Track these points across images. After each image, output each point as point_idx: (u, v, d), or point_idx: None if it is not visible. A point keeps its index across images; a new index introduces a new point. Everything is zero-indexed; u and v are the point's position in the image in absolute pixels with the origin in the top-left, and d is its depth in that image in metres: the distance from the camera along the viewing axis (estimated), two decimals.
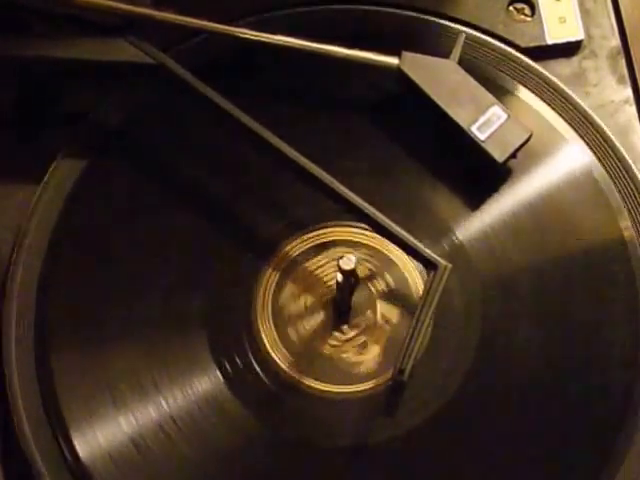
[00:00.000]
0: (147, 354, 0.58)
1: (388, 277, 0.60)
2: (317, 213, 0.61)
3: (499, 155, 0.60)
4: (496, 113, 0.61)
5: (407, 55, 0.62)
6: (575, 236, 0.60)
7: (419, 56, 0.62)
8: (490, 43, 0.65)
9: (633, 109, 0.64)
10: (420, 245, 0.57)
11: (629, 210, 0.61)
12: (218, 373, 0.57)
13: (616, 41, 0.66)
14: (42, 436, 0.56)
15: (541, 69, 0.64)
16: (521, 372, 0.57)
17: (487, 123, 0.60)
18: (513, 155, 0.60)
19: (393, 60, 0.62)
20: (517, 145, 0.60)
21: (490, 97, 0.61)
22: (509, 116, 0.61)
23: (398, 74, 0.62)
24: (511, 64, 0.64)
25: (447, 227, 0.61)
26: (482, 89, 0.61)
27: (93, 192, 0.62)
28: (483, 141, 0.60)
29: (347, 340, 0.59)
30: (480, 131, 0.60)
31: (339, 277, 0.57)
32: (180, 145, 0.63)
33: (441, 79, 0.61)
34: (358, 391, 0.57)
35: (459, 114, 0.61)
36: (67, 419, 0.56)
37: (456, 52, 0.62)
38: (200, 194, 0.62)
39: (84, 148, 0.63)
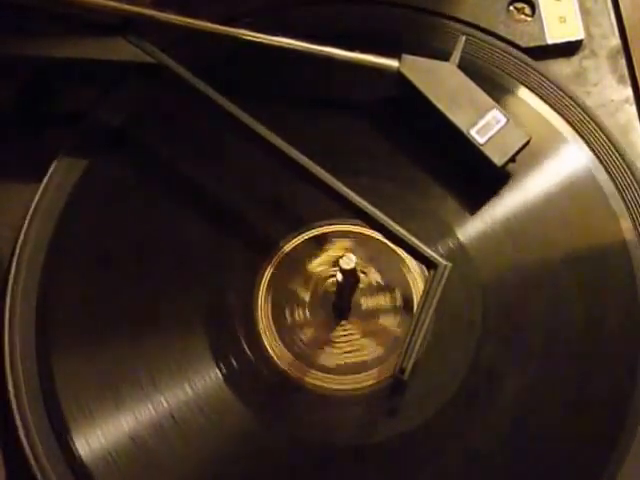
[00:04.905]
0: (147, 353, 0.58)
1: (388, 277, 0.60)
2: (317, 212, 0.61)
3: (498, 159, 0.60)
4: (495, 117, 0.60)
5: (407, 58, 0.62)
6: (576, 236, 0.60)
7: (419, 59, 0.62)
8: (490, 42, 0.65)
9: (633, 108, 0.64)
10: (420, 245, 0.57)
11: (630, 210, 0.61)
12: (218, 372, 0.58)
13: (616, 40, 0.66)
14: (43, 435, 0.56)
15: (541, 68, 0.64)
16: (521, 372, 0.57)
17: (486, 126, 0.60)
18: (512, 159, 0.61)
19: (393, 62, 0.62)
20: (516, 149, 0.60)
21: (489, 100, 0.61)
22: (508, 120, 0.61)
23: (398, 76, 0.62)
24: (511, 63, 0.65)
25: (447, 227, 0.61)
26: (482, 92, 0.61)
27: (93, 191, 0.62)
28: (482, 144, 0.60)
29: (347, 339, 0.59)
30: (479, 134, 0.60)
31: (339, 276, 0.57)
32: (180, 145, 0.63)
33: (441, 82, 0.61)
34: (358, 390, 0.58)
35: (458, 117, 0.61)
36: (68, 418, 0.56)
37: (456, 55, 0.62)
38: (200, 193, 0.62)
39: (84, 148, 0.63)
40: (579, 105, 0.63)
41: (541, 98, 0.64)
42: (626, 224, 0.60)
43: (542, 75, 0.64)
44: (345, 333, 0.59)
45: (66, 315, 0.59)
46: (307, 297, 0.60)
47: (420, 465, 0.56)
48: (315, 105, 0.64)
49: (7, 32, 0.61)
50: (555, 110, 0.63)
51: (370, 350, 0.58)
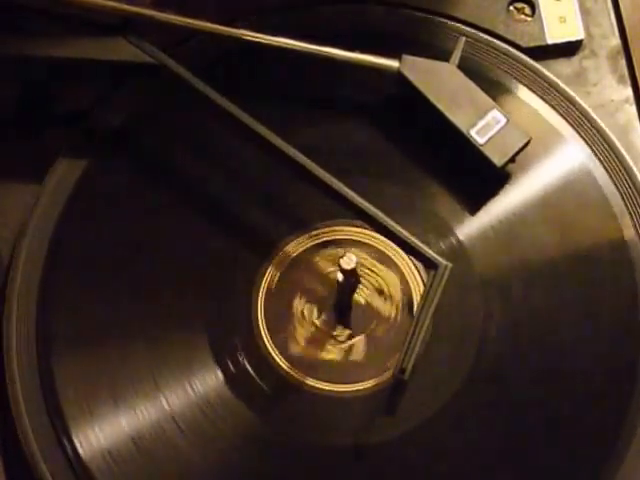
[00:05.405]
0: (148, 354, 0.58)
1: (389, 276, 0.60)
2: (317, 212, 0.61)
3: (498, 159, 0.60)
4: (495, 117, 0.61)
5: (407, 58, 0.62)
6: (575, 236, 0.60)
7: (419, 59, 0.62)
8: (490, 42, 0.65)
9: (633, 108, 0.64)
10: (420, 244, 0.57)
11: (629, 209, 0.61)
12: (219, 372, 0.58)
13: (616, 41, 0.66)
14: (43, 435, 0.56)
15: (541, 68, 0.64)
16: (521, 372, 0.57)
17: (486, 127, 0.60)
18: (512, 159, 0.61)
19: (393, 63, 0.62)
20: (516, 149, 0.60)
21: (489, 101, 0.61)
22: (508, 120, 0.61)
23: (398, 77, 0.62)
24: (511, 63, 0.65)
25: (447, 227, 0.61)
26: (481, 93, 0.61)
27: (93, 192, 0.62)
28: (482, 145, 0.60)
29: (348, 339, 0.59)
30: (479, 135, 0.60)
31: (340, 276, 0.57)
32: (180, 145, 0.63)
33: (441, 82, 0.61)
34: (359, 390, 0.58)
35: (458, 118, 0.61)
36: (68, 418, 0.56)
37: (456, 55, 0.62)
38: (200, 193, 0.62)
39: (84, 148, 0.63)
40: (579, 105, 0.63)
41: (541, 98, 0.64)
42: (625, 224, 0.60)
43: (542, 75, 0.64)
44: (345, 333, 0.59)
45: (66, 315, 0.59)
46: (307, 297, 0.60)
47: (420, 465, 0.56)
48: (315, 105, 0.64)
49: (7, 32, 0.61)
50: (555, 110, 0.63)
51: (370, 350, 0.58)
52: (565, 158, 0.62)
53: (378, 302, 0.60)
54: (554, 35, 0.65)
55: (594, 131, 0.63)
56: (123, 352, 0.58)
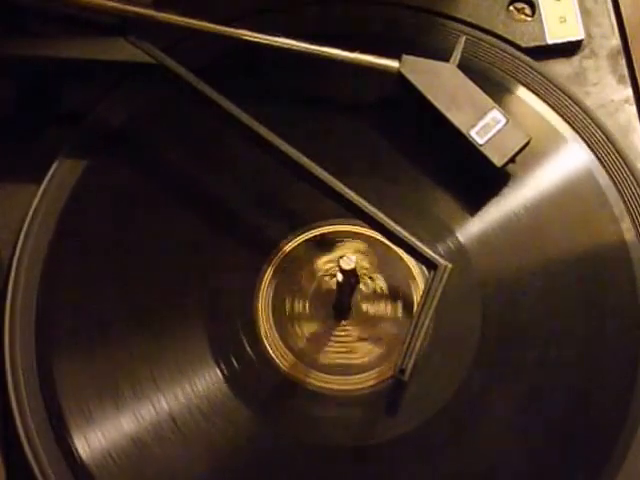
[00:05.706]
0: (147, 353, 0.58)
1: (388, 277, 0.60)
2: (317, 212, 0.61)
3: (498, 159, 0.60)
4: (495, 117, 0.61)
5: (407, 58, 0.62)
6: (575, 237, 0.60)
7: (419, 60, 0.62)
8: (490, 42, 0.65)
9: (633, 108, 0.64)
10: (420, 245, 0.57)
11: (629, 210, 0.61)
12: (218, 372, 0.58)
13: (616, 41, 0.66)
14: (43, 436, 0.56)
15: (541, 68, 0.64)
16: (521, 372, 0.57)
17: (486, 127, 0.60)
18: (512, 159, 0.61)
19: (393, 63, 0.62)
20: (516, 150, 0.60)
21: (489, 101, 0.61)
22: (508, 120, 0.61)
23: (398, 77, 0.62)
24: (511, 63, 0.65)
25: (447, 227, 0.61)
26: (481, 93, 0.61)
27: (93, 192, 0.62)
28: (482, 145, 0.60)
29: (347, 340, 0.59)
30: (479, 135, 0.60)
31: (339, 277, 0.57)
32: (180, 145, 0.63)
33: (441, 83, 0.61)
34: (358, 390, 0.58)
35: (458, 118, 0.61)
36: (68, 419, 0.56)
37: (456, 55, 0.62)
38: (200, 193, 0.62)
39: (84, 148, 0.63)
40: (579, 105, 0.63)
41: (541, 98, 0.64)
42: (626, 224, 0.60)
43: (542, 75, 0.64)
44: (345, 333, 0.59)
45: (66, 315, 0.59)
46: (307, 298, 0.60)
47: (420, 466, 0.56)
48: (315, 105, 0.64)
49: (7, 32, 0.61)
50: (555, 110, 0.63)
51: (370, 350, 0.58)
52: (565, 158, 0.62)
53: (378, 302, 0.60)
54: (554, 35, 0.65)
55: (595, 131, 0.63)
56: (123, 352, 0.58)
